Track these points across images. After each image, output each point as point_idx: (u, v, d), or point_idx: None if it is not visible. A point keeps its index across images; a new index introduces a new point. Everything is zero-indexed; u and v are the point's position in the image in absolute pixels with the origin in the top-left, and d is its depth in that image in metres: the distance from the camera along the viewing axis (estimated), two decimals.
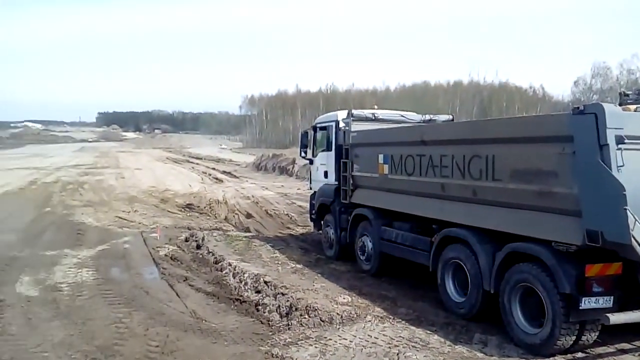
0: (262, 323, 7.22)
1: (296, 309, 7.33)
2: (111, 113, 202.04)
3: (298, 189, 24.34)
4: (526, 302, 6.14)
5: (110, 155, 63.46)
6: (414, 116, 10.98)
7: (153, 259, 11.07)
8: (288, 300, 7.65)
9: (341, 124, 10.52)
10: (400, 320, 7.08)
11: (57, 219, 16.27)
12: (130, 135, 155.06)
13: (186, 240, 12.73)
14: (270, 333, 6.82)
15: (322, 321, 6.95)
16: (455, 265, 7.36)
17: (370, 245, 9.44)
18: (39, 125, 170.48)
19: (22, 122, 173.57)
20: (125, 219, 16.19)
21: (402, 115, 10.85)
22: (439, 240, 7.59)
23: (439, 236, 7.61)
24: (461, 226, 7.18)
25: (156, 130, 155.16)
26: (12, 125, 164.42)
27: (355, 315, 7.16)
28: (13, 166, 44.28)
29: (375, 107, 11.67)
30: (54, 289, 8.79)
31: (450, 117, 11.62)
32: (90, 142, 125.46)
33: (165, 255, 11.27)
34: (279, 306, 7.58)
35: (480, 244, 6.78)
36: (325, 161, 11.30)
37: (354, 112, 10.48)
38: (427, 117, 10.94)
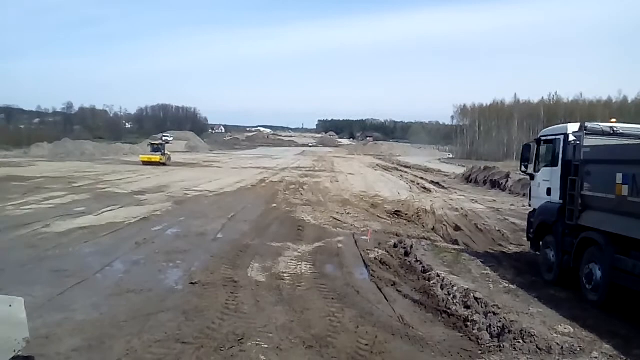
0: (470, 340, 6.97)
1: (509, 332, 6.89)
2: (329, 121, 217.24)
3: (511, 205, 23.00)
4: None
5: (326, 160, 68.35)
6: None
7: (363, 260, 11.52)
8: (500, 321, 7.24)
9: (571, 138, 9.58)
10: None
11: (281, 215, 18.06)
12: (345, 142, 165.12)
13: (394, 246, 12.98)
14: (480, 352, 6.55)
15: (539, 349, 6.41)
16: None
17: (599, 273, 8.39)
18: (268, 130, 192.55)
19: (256, 126, 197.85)
20: (339, 220, 17.20)
21: None
22: None
23: None
24: None
25: (368, 138, 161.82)
26: (247, 129, 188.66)
27: (578, 349, 6.43)
28: (247, 165, 50.83)
29: (613, 120, 10.34)
30: (278, 277, 9.74)
31: None
32: (310, 147, 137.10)
33: (375, 258, 11.64)
34: (489, 325, 7.23)
35: None
36: (548, 177, 10.43)
37: (588, 125, 9.44)
38: None
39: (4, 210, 16.73)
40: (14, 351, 4.96)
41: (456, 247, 13.46)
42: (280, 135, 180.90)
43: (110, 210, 17.40)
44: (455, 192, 29.83)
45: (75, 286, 8.62)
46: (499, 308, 7.75)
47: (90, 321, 6.96)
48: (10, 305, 4.99)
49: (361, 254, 12.07)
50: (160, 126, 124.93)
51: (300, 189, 27.88)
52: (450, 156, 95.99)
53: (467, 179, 37.94)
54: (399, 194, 27.60)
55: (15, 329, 4.96)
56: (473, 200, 25.49)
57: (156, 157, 45.99)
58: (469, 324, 7.45)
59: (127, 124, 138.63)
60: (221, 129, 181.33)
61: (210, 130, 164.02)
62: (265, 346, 6.31)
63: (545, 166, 10.73)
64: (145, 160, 45.68)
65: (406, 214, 19.54)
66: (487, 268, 10.74)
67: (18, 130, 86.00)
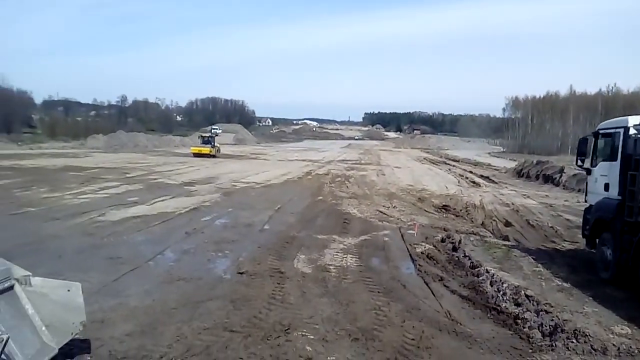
0: (521, 338, 6.78)
1: (562, 331, 6.67)
2: (376, 113, 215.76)
3: (565, 201, 22.21)
4: None
5: (372, 153, 68.12)
6: None
7: (410, 254, 11.40)
8: (552, 320, 7.01)
9: (632, 131, 9.12)
10: None
11: (327, 207, 18.10)
12: (391, 134, 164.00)
13: (442, 240, 12.75)
14: (531, 350, 6.36)
15: (594, 350, 6.17)
16: None
17: None
18: (315, 123, 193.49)
19: (302, 119, 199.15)
20: (385, 214, 17.07)
21: None
22: None
23: None
24: None
25: (415, 131, 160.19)
26: (294, 122, 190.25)
27: (635, 351, 6.14)
28: (293, 158, 51.28)
29: None
30: (324, 269, 9.77)
31: None
32: (356, 139, 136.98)
33: (422, 252, 11.49)
34: (541, 324, 7.01)
35: None
36: (606, 172, 9.97)
37: None
38: None
39: (63, 199, 17.50)
40: (72, 334, 5.18)
41: (506, 243, 13.10)
42: (327, 128, 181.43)
43: (162, 201, 17.91)
44: (506, 187, 29.08)
45: (128, 273, 8.93)
46: (552, 306, 7.52)
47: (142, 307, 7.19)
48: (68, 290, 5.21)
49: (408, 248, 11.94)
50: (209, 119, 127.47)
51: (346, 182, 27.85)
52: (501, 150, 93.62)
53: (519, 173, 36.86)
54: (447, 188, 27.14)
55: (73, 312, 5.17)
56: (525, 195, 24.76)
57: (206, 149, 47.20)
58: (519, 321, 7.25)
59: (178, 116, 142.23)
60: (268, 122, 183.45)
61: (257, 123, 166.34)
62: (311, 337, 6.35)
63: (603, 160, 10.27)
64: (196, 152, 46.96)
65: (454, 209, 19.19)
66: (539, 265, 10.40)
67: (75, 123, 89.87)
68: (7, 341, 4.22)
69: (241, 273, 9.19)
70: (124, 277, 8.67)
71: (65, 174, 26.11)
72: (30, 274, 5.20)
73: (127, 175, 26.76)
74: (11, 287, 5.02)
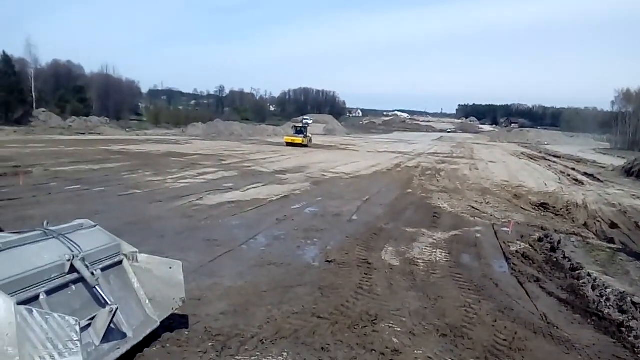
0: (625, 347, 6.32)
1: None
2: (470, 105, 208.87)
3: None
4: None
5: (465, 147, 66.03)
6: None
7: (503, 252, 10.94)
8: None
9: None
10: None
11: (417, 200, 17.80)
12: (486, 128, 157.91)
13: (539, 240, 12.13)
14: None
15: None
16: None
17: None
18: (405, 115, 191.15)
19: (392, 111, 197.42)
20: (477, 209, 16.50)
21: None
22: None
23: None
24: None
25: (512, 124, 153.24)
26: (384, 113, 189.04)
27: None
28: (382, 149, 50.95)
29: None
30: (412, 262, 9.64)
31: None
32: (448, 132, 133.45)
33: (516, 251, 11.01)
34: None
35: None
36: None
37: None
38: None
39: (165, 182, 18.64)
40: (172, 309, 5.54)
41: (612, 245, 12.20)
42: (418, 120, 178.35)
43: (255, 188, 18.52)
44: (613, 186, 27.00)
45: (223, 255, 9.34)
46: None
47: (235, 288, 7.51)
48: (170, 268, 5.56)
49: (501, 246, 11.47)
50: (301, 109, 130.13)
51: (437, 176, 27.23)
52: (608, 146, 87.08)
53: (628, 172, 34.08)
54: (545, 185, 25.72)
55: (174, 289, 5.52)
56: (634, 195, 22.88)
57: (299, 139, 48.19)
58: (623, 329, 6.77)
59: (271, 106, 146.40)
60: (358, 113, 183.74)
61: (347, 114, 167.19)
62: (398, 329, 6.31)
63: None
64: (289, 141, 48.08)
65: (554, 207, 18.15)
66: None
67: (177, 111, 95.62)
68: (115, 311, 4.59)
69: (329, 261, 9.30)
70: (219, 259, 9.09)
71: (167, 160, 27.77)
72: (137, 250, 5.61)
73: (223, 162, 27.94)
74: (120, 262, 5.45)
